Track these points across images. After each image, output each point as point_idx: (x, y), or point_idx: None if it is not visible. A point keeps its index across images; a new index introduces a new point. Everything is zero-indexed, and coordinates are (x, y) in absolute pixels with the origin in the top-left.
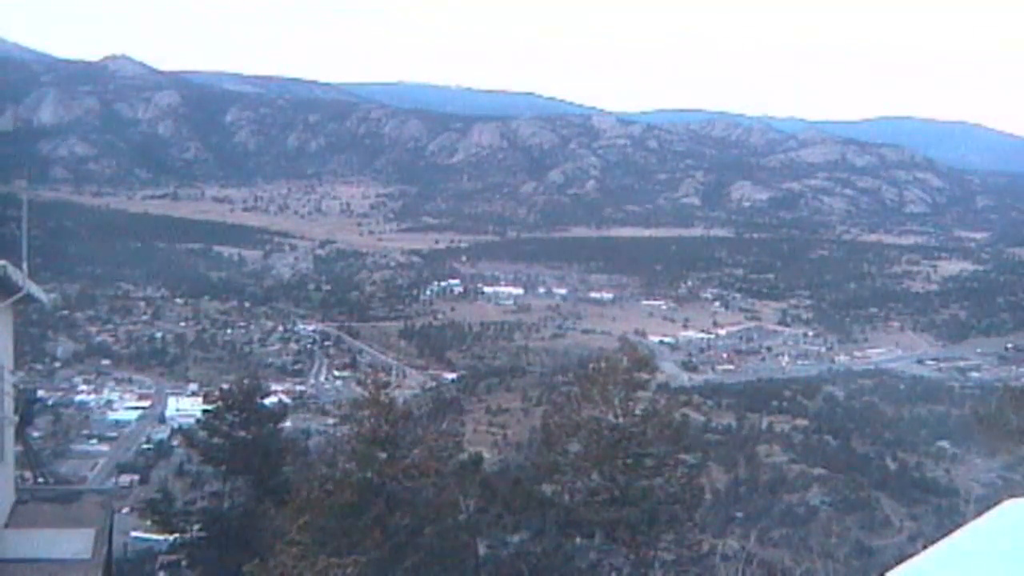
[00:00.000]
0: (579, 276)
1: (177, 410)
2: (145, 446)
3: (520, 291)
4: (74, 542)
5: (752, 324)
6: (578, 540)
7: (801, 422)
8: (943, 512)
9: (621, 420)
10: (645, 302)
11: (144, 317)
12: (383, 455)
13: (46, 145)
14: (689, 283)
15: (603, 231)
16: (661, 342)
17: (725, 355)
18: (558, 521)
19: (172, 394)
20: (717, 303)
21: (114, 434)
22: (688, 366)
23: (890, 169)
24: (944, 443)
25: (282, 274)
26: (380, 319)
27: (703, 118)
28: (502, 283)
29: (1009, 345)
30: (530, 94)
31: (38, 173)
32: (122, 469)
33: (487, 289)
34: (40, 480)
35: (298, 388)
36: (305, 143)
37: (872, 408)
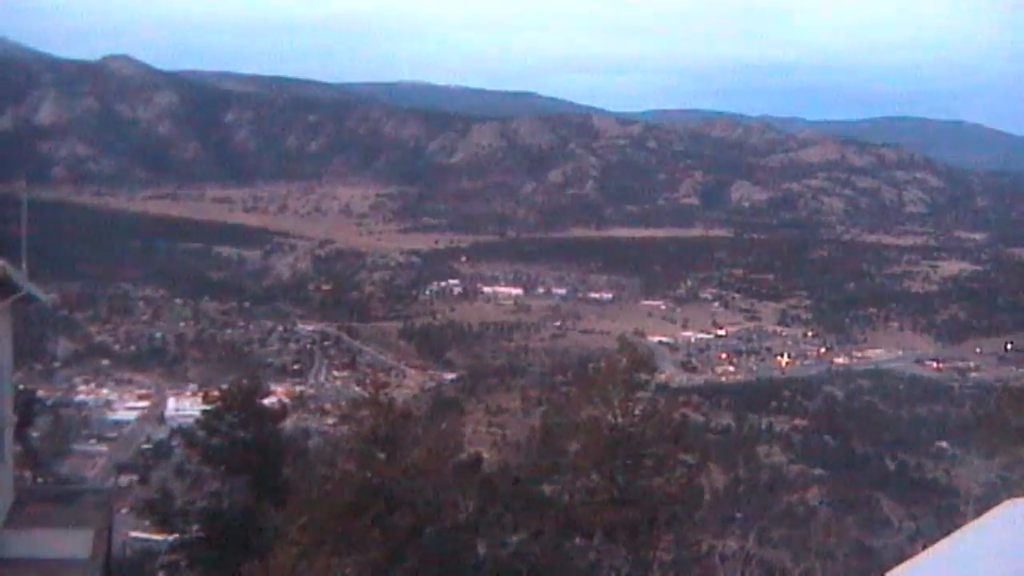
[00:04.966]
0: (579, 276)
1: (177, 410)
2: (145, 446)
3: (520, 291)
4: (74, 542)
5: (752, 324)
6: (578, 540)
7: (801, 422)
8: (943, 512)
9: (621, 420)
10: (645, 302)
11: (144, 317)
12: (383, 455)
13: (46, 145)
14: (689, 283)
15: (603, 231)
16: (660, 342)
17: (724, 355)
18: (558, 521)
19: (172, 394)
20: (717, 303)
21: (114, 434)
22: (687, 366)
23: (889, 169)
24: (944, 443)
25: (282, 274)
26: (380, 319)
27: (703, 118)
28: (502, 283)
29: (1009, 345)
30: (530, 94)
31: (38, 173)
32: (122, 469)
33: (487, 289)
34: (40, 480)
35: (298, 388)
36: (305, 143)
37: (872, 408)
